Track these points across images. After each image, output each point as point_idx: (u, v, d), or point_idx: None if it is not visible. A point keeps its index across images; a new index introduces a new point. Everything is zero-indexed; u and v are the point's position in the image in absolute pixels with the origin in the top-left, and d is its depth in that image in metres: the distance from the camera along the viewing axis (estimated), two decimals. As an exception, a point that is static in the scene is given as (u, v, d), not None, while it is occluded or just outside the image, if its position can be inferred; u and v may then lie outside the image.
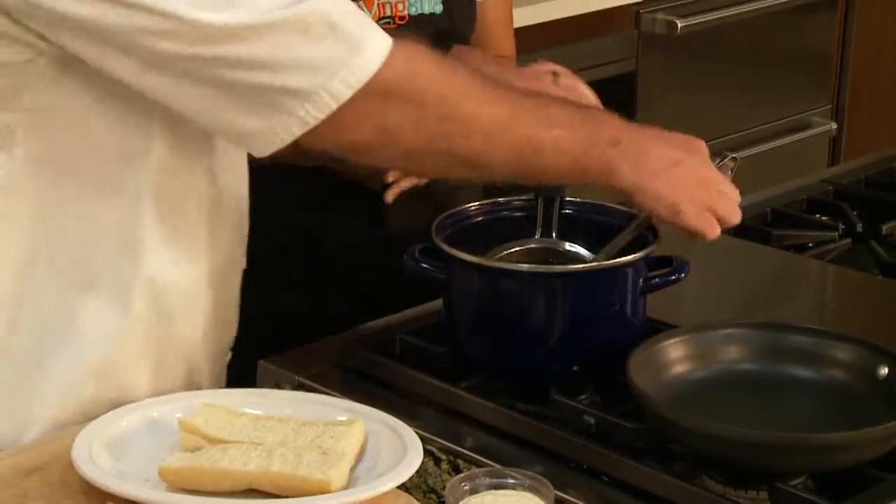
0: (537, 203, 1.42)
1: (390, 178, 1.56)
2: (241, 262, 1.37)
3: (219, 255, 1.32)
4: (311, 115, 1.14)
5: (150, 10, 1.10)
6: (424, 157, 1.22)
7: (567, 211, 1.43)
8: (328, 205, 1.61)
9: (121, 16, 1.11)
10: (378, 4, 1.60)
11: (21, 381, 1.23)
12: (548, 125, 1.22)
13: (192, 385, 1.33)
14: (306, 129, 1.14)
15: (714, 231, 1.29)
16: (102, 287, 1.23)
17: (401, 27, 1.61)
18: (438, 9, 1.63)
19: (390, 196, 1.58)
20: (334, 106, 1.13)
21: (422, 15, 1.62)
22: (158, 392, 1.28)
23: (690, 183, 1.28)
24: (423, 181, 1.58)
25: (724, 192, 1.30)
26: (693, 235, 1.29)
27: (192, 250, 1.27)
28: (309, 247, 1.58)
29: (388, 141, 1.19)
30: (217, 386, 1.37)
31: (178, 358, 1.31)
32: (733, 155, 1.39)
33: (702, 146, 1.33)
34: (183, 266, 1.27)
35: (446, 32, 1.62)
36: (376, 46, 1.14)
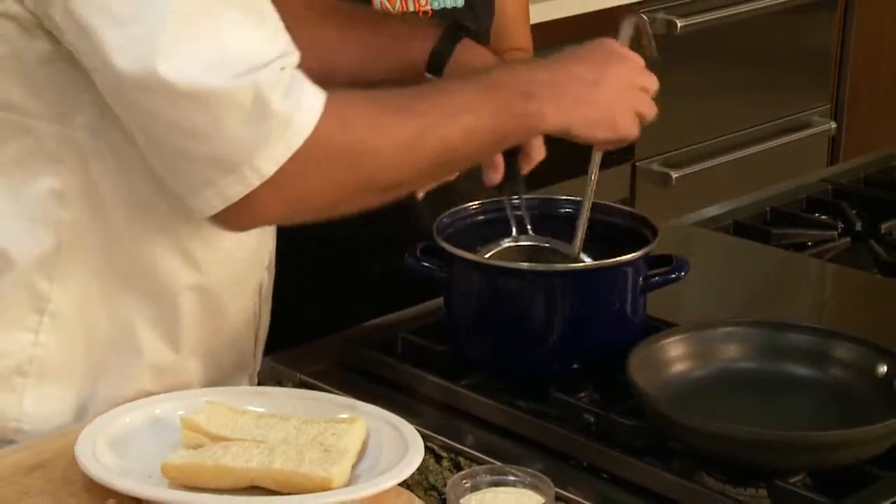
0: (504, 204, 1.41)
1: None
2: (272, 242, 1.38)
3: (263, 244, 1.34)
4: (232, 188, 1.11)
5: (96, 40, 1.09)
6: (340, 206, 1.20)
7: (567, 210, 1.43)
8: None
9: (81, 39, 1.11)
10: (401, 0, 1.61)
11: (83, 376, 1.25)
12: (454, 116, 1.19)
13: (242, 372, 1.36)
14: (228, 203, 1.12)
15: (637, 133, 1.29)
16: (156, 294, 1.25)
17: None
18: (460, 2, 1.64)
19: (421, 193, 1.58)
20: (256, 182, 1.11)
21: (444, 9, 1.63)
22: (212, 383, 1.30)
23: (616, 95, 1.27)
24: (454, 176, 1.58)
25: (644, 87, 1.29)
26: (621, 142, 1.29)
27: (237, 248, 1.28)
28: (311, 245, 1.58)
29: (301, 209, 1.18)
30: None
31: (230, 350, 1.33)
32: (642, 16, 1.37)
33: (612, 45, 1.31)
34: (231, 265, 1.29)
35: (468, 26, 1.63)
36: (304, 118, 1.11)
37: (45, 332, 1.22)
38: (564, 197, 1.46)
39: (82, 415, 1.25)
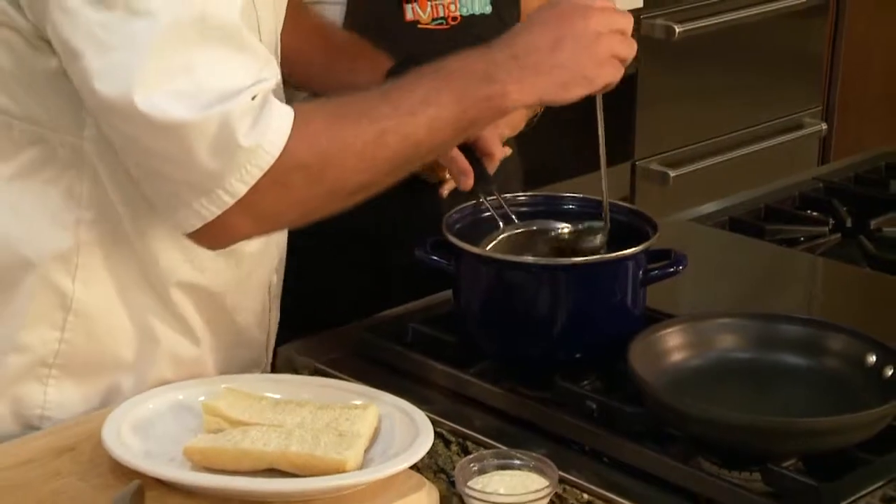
0: (483, 203, 1.43)
1: (447, 175, 1.57)
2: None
3: (270, 245, 1.36)
4: (207, 209, 1.14)
5: (80, 64, 1.11)
6: (311, 216, 1.21)
7: (570, 207, 1.46)
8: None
9: (68, 61, 1.13)
10: (432, 6, 1.63)
11: (105, 367, 1.28)
12: (414, 114, 1.18)
13: (255, 368, 1.38)
14: (204, 222, 1.14)
15: (619, 75, 1.24)
16: (163, 292, 1.28)
17: (454, 28, 1.64)
18: (488, 9, 1.66)
19: (445, 191, 1.59)
20: (230, 202, 1.13)
21: (472, 15, 1.65)
22: (226, 373, 1.33)
23: (583, 49, 1.22)
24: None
25: (616, 29, 1.24)
26: (606, 89, 1.26)
27: (239, 249, 1.29)
28: (327, 236, 1.60)
29: (273, 224, 1.21)
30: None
31: (241, 347, 1.36)
32: None
33: None
34: (234, 265, 1.31)
35: (495, 32, 1.66)
36: (272, 143, 1.12)
37: (70, 329, 1.25)
38: (551, 193, 1.48)
39: (104, 403, 1.28)
